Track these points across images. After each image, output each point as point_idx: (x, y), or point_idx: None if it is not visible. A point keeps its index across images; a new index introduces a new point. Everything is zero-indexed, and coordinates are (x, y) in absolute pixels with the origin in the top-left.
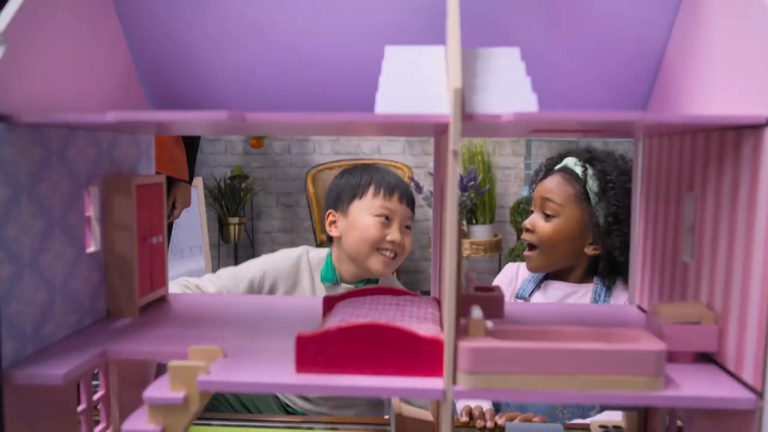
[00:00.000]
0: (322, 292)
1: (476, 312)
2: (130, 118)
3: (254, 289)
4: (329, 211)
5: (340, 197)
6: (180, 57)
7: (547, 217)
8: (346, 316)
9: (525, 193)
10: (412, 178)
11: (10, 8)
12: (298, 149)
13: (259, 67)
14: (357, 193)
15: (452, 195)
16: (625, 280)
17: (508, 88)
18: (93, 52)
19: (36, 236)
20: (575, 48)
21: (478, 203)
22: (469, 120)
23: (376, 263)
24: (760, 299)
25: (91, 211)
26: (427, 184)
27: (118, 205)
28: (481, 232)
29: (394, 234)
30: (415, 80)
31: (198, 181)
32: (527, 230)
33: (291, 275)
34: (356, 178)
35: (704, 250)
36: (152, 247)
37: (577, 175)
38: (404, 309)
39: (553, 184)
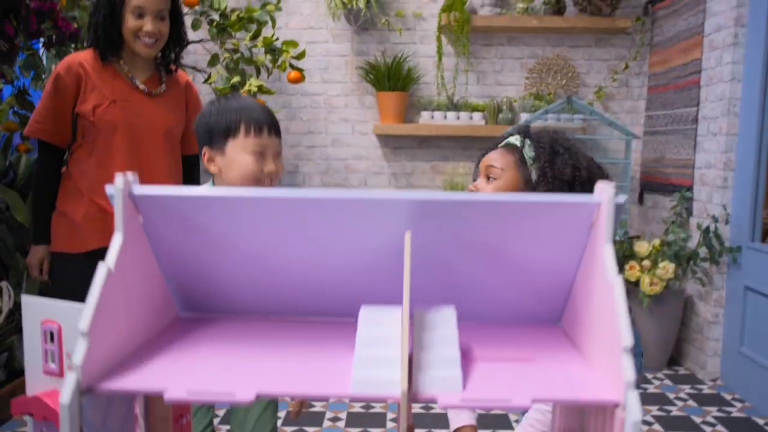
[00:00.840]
0: None
1: None
2: (180, 399)
3: None
4: (204, 148)
5: (213, 136)
6: (201, 273)
7: (490, 179)
8: None
9: None
10: None
11: (88, 308)
12: (288, 181)
13: (257, 282)
14: (230, 133)
15: None
16: None
17: (444, 365)
18: (139, 293)
19: None
20: (504, 276)
21: None
22: (414, 401)
23: None
24: None
25: (138, 409)
26: None
27: (158, 406)
28: None
29: (269, 166)
30: (381, 357)
31: None
32: (473, 191)
33: None
34: (225, 118)
35: None
36: (183, 426)
37: (516, 146)
38: None
39: (496, 154)
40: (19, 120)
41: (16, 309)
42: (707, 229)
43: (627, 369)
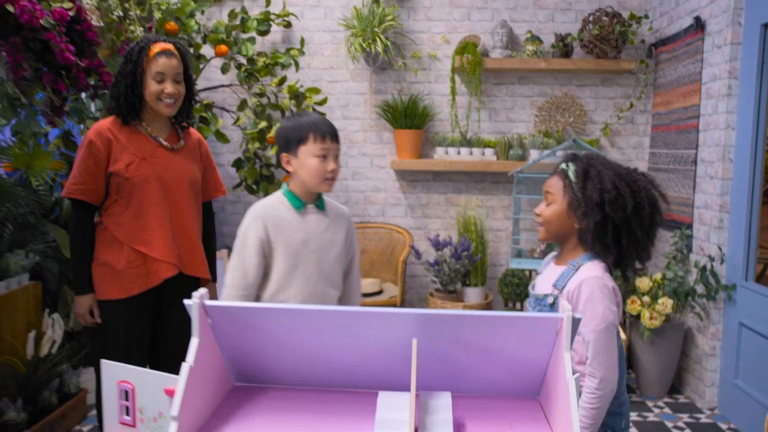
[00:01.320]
0: (299, 218)
1: None
2: None
3: (264, 250)
4: (283, 153)
5: (289, 143)
6: (252, 356)
7: (548, 204)
8: None
9: (512, 265)
10: (412, 246)
11: (177, 398)
12: None
13: (296, 362)
14: (301, 140)
15: None
16: (600, 257)
17: None
18: (208, 375)
19: None
20: (493, 364)
21: (471, 269)
22: None
23: (324, 187)
24: None
25: None
26: (426, 245)
27: None
28: (473, 294)
29: (331, 165)
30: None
31: (223, 254)
32: (537, 215)
33: (271, 216)
34: (298, 129)
35: None
36: None
37: (566, 172)
38: None
39: (552, 181)
40: (65, 160)
41: (67, 340)
42: (704, 267)
43: None
